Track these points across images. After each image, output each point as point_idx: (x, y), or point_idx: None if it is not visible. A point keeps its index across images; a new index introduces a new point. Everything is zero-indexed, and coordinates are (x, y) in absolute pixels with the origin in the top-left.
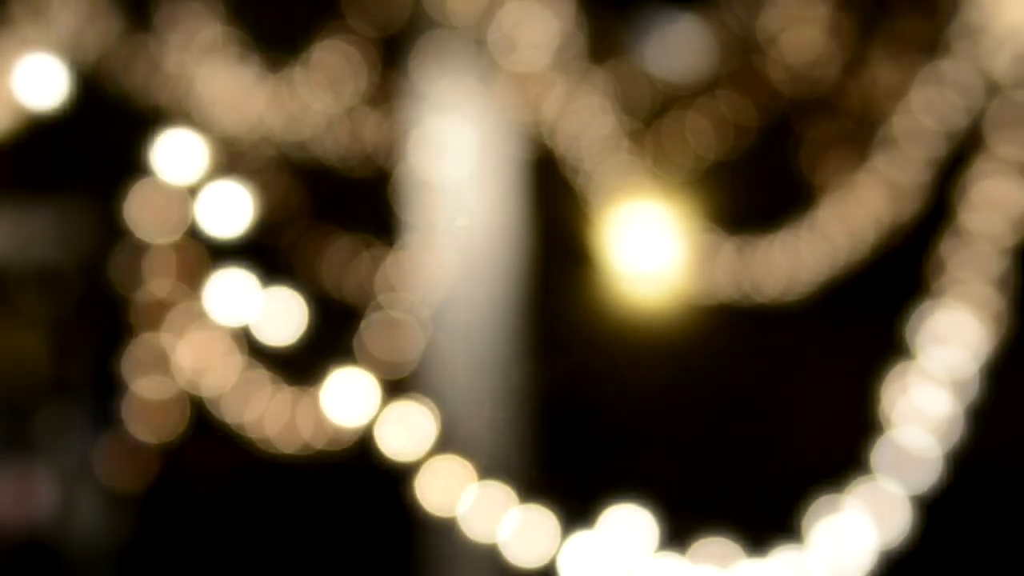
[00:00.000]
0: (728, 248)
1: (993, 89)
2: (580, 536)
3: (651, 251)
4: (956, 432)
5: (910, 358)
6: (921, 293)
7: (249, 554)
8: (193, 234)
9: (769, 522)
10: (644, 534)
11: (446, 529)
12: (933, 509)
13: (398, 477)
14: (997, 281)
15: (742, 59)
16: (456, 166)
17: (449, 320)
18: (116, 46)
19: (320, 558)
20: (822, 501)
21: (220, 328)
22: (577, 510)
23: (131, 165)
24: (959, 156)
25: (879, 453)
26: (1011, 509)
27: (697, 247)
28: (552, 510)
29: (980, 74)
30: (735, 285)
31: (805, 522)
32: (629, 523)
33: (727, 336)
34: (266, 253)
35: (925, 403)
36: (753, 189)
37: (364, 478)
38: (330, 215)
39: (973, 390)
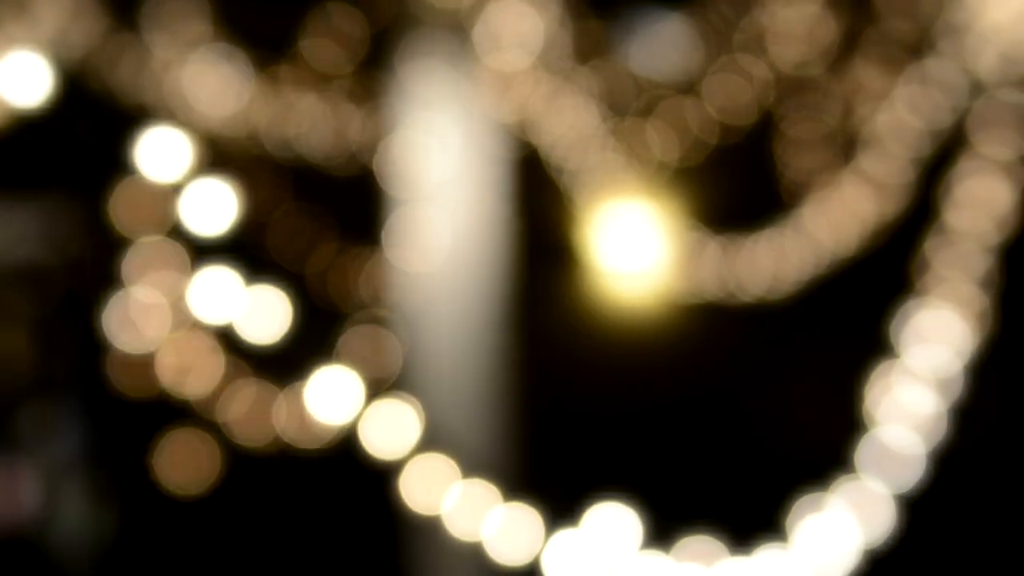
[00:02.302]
0: (713, 247)
1: (977, 88)
2: (564, 534)
3: (635, 250)
4: (940, 431)
5: (894, 357)
6: (906, 292)
7: (233, 553)
8: (177, 232)
9: (753, 520)
10: (628, 532)
11: (430, 527)
12: (917, 508)
13: (382, 476)
14: (981, 279)
15: (727, 58)
16: (441, 164)
17: (433, 318)
18: (101, 44)
19: (304, 557)
20: (806, 499)
21: (204, 327)
22: (561, 508)
23: (115, 163)
24: (944, 155)
25: (863, 451)
26: (994, 508)
27: (682, 246)
28: (536, 508)
29: (964, 73)
30: (720, 284)
31: (789, 520)
32: (613, 521)
33: (712, 335)
34: (250, 251)
35: (909, 401)
36: (737, 188)
37: (348, 477)
38: (314, 213)
39: (957, 389)
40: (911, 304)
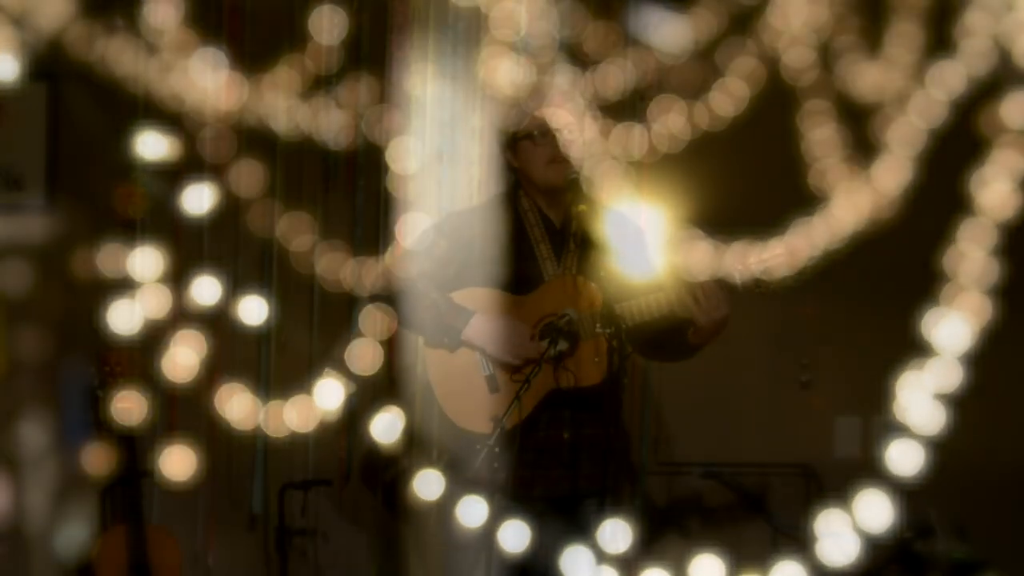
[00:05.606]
0: (724, 249)
1: (1013, 76)
2: (570, 550)
3: (644, 251)
4: (944, 423)
5: (898, 349)
6: (910, 285)
7: (230, 546)
8: (172, 229)
9: (756, 511)
10: (627, 544)
11: (421, 526)
12: (920, 498)
13: (381, 478)
14: (985, 272)
15: (738, 48)
16: (437, 149)
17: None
18: (92, 42)
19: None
20: (825, 506)
21: (198, 323)
22: (566, 519)
23: (109, 159)
24: (974, 145)
25: (869, 443)
26: (996, 499)
27: (690, 251)
28: (540, 518)
29: (1000, 60)
30: (737, 275)
31: (792, 511)
32: (619, 534)
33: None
34: (244, 247)
35: (914, 393)
36: (757, 179)
37: (346, 478)
38: (307, 202)
39: (961, 381)
40: (917, 297)
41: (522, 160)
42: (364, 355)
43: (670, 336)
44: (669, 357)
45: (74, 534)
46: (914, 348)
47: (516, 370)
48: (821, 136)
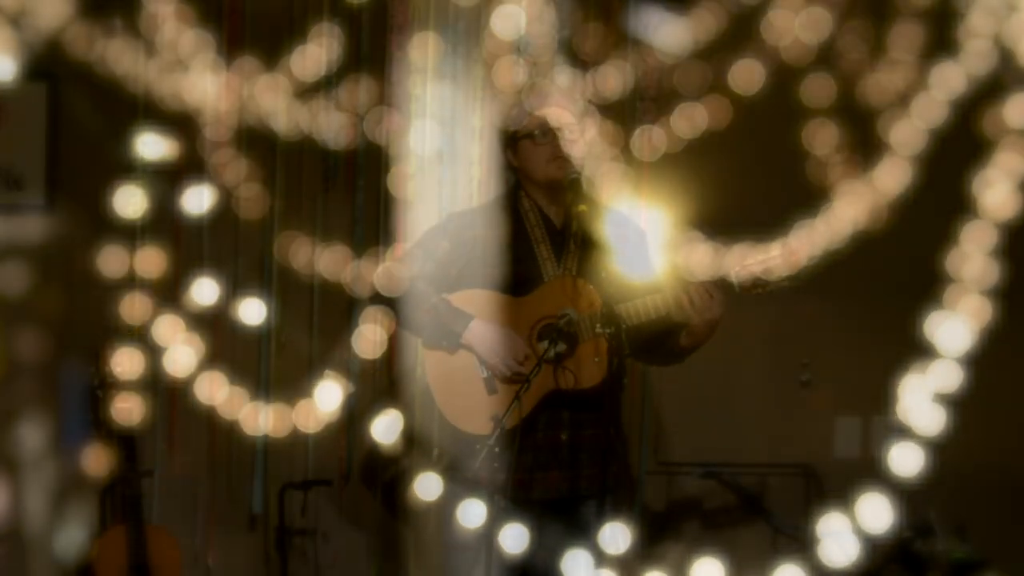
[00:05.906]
0: (724, 251)
1: (1008, 81)
2: (570, 552)
3: (644, 251)
4: (944, 424)
5: (898, 349)
6: (911, 285)
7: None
8: (172, 229)
9: (758, 513)
10: (630, 542)
11: (425, 530)
12: (920, 498)
13: (381, 478)
14: (986, 273)
15: (741, 48)
16: (438, 149)
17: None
18: (92, 42)
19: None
20: (810, 490)
21: (198, 323)
22: (565, 520)
23: (109, 159)
24: (978, 145)
25: (869, 443)
26: (996, 499)
27: (690, 252)
28: (539, 520)
29: (1003, 59)
30: (739, 274)
31: (792, 511)
32: (618, 535)
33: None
34: (244, 247)
35: (914, 394)
36: (748, 184)
37: (346, 478)
38: (312, 208)
39: (961, 382)
40: (920, 300)
41: (522, 159)
42: (364, 355)
43: (663, 339)
44: (660, 361)
45: (74, 534)
46: (914, 349)
47: (508, 380)
48: (822, 137)
